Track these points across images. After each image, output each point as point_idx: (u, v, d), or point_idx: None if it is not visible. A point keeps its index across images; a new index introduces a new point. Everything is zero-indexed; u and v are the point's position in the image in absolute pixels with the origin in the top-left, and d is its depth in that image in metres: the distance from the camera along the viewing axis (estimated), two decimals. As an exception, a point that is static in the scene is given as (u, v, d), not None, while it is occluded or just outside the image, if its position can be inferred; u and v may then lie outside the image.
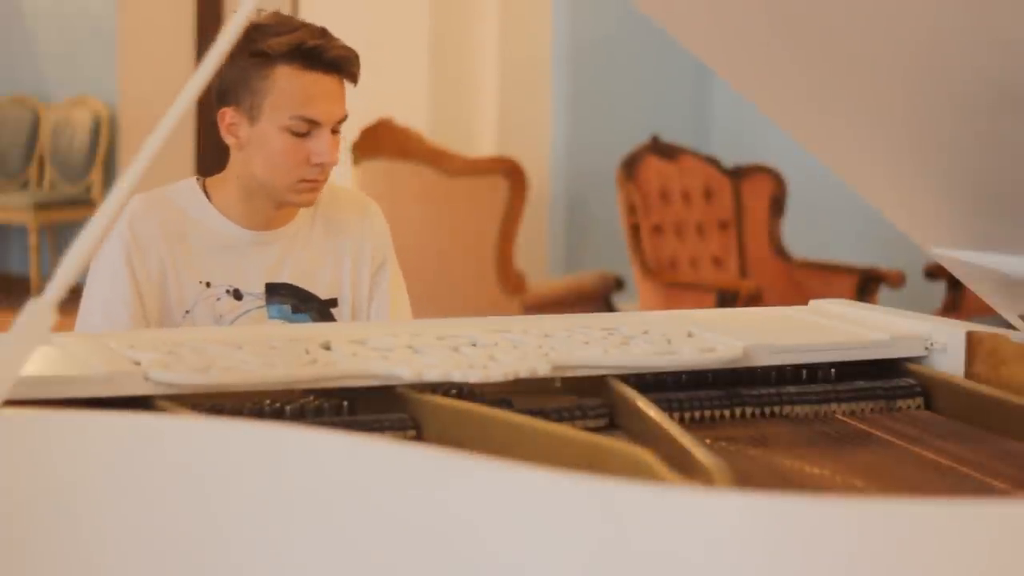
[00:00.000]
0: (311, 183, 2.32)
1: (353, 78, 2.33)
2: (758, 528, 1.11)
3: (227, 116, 2.33)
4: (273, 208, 2.36)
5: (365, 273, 2.44)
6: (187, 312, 2.31)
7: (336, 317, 2.40)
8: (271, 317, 2.35)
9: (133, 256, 2.30)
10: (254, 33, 2.28)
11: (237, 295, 2.34)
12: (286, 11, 6.79)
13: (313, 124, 2.29)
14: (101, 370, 1.57)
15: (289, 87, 2.28)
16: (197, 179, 2.41)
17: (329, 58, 2.29)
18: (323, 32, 2.33)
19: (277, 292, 2.37)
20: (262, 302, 2.35)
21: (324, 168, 2.31)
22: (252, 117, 2.31)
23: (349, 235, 2.44)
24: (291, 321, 2.36)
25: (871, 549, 1.09)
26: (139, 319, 2.29)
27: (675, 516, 1.13)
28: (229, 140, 2.35)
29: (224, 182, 2.39)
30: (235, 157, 2.36)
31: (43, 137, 8.21)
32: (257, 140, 2.31)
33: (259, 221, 2.37)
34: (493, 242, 5.51)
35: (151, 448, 1.35)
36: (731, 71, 1.89)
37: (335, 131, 2.33)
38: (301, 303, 2.38)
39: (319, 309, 2.39)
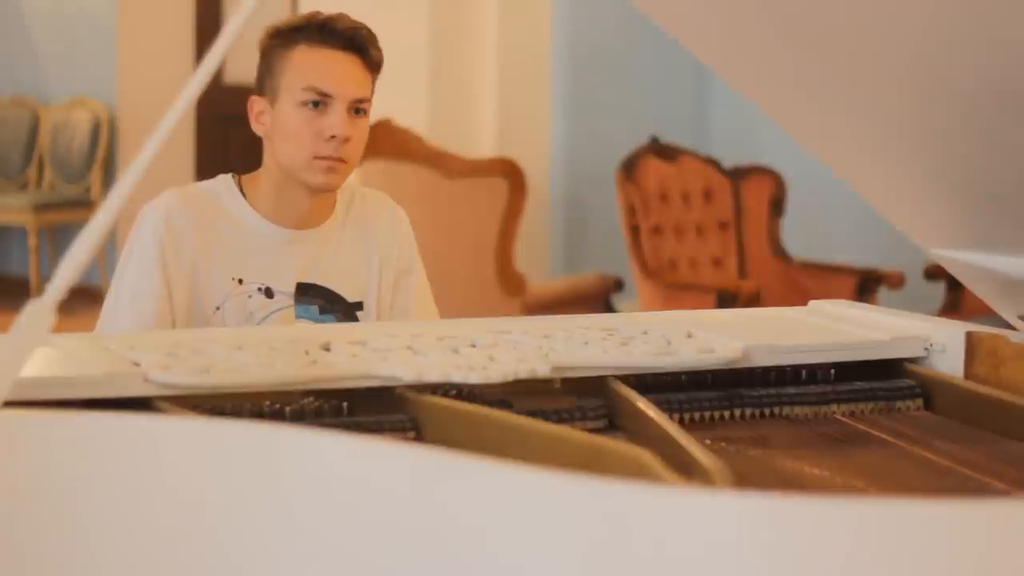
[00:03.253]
0: (327, 161, 2.31)
1: (371, 59, 2.34)
2: (757, 529, 1.11)
3: (255, 105, 2.37)
4: (304, 200, 2.36)
5: (389, 278, 2.45)
6: (217, 308, 2.32)
7: (361, 320, 2.41)
8: (298, 317, 2.36)
9: (167, 250, 2.31)
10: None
11: (269, 293, 2.35)
12: (286, 11, 6.76)
13: (326, 97, 2.30)
14: (101, 371, 1.57)
15: (303, 62, 2.31)
16: (232, 176, 2.41)
17: (340, 30, 2.31)
18: (341, 13, 2.37)
19: (307, 292, 2.38)
20: (292, 301, 2.36)
21: (339, 145, 2.30)
22: (273, 99, 2.34)
23: (378, 238, 2.45)
24: (317, 322, 2.37)
25: (870, 549, 1.09)
26: (165, 315, 2.29)
27: (674, 517, 1.13)
28: (257, 129, 2.38)
29: (257, 178, 2.40)
30: (265, 149, 2.38)
31: (42, 138, 8.21)
32: (277, 121, 2.34)
33: (292, 218, 2.38)
34: (493, 243, 5.51)
35: (151, 449, 1.35)
36: (730, 70, 1.89)
37: (358, 113, 2.33)
38: (329, 304, 2.39)
39: (345, 311, 2.40)
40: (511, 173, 5.54)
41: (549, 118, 6.60)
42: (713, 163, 6.09)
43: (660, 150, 5.96)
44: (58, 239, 8.03)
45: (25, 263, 8.09)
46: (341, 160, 2.32)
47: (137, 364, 1.60)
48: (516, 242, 5.59)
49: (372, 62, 2.35)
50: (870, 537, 1.09)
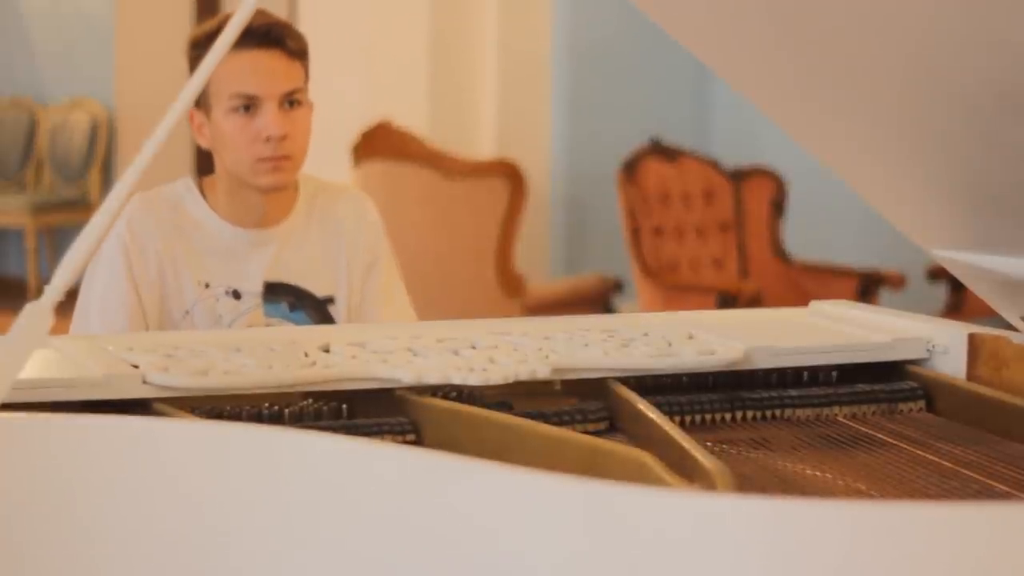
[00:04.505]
0: (269, 161, 2.29)
1: (291, 48, 2.30)
2: (759, 531, 1.11)
3: (195, 118, 2.35)
4: (259, 201, 2.35)
5: (358, 271, 2.44)
6: (186, 312, 2.31)
7: (333, 314, 2.40)
8: (268, 316, 2.35)
9: (132, 256, 2.30)
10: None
11: (236, 295, 2.34)
12: (283, 12, 6.74)
13: (253, 99, 2.28)
14: (99, 373, 1.57)
15: (224, 69, 2.27)
16: (193, 178, 2.41)
17: (253, 28, 2.26)
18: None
19: (274, 291, 2.37)
20: (260, 301, 2.35)
21: (277, 144, 2.28)
22: (207, 110, 2.32)
23: (344, 231, 2.43)
24: (288, 319, 2.36)
25: (871, 552, 1.08)
26: (136, 320, 2.29)
27: (676, 519, 1.12)
28: (201, 142, 2.37)
29: (214, 183, 2.39)
30: (215, 157, 2.38)
31: (41, 139, 8.21)
32: (215, 131, 2.32)
33: (252, 219, 2.37)
34: (493, 244, 5.51)
35: (150, 452, 1.34)
36: (730, 71, 1.88)
37: (292, 105, 2.30)
38: (298, 301, 2.38)
39: (315, 307, 2.39)
40: (511, 174, 5.54)
41: (549, 119, 6.60)
42: (714, 164, 6.09)
43: (660, 151, 5.95)
44: (56, 240, 8.02)
45: (23, 264, 8.08)
46: (283, 157, 2.30)
47: (135, 366, 1.60)
48: (516, 243, 5.59)
49: (293, 51, 2.31)
50: (871, 540, 1.08)
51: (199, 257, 2.34)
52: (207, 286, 2.33)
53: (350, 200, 2.48)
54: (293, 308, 2.37)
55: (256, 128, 2.28)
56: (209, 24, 2.34)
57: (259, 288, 2.36)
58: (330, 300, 2.41)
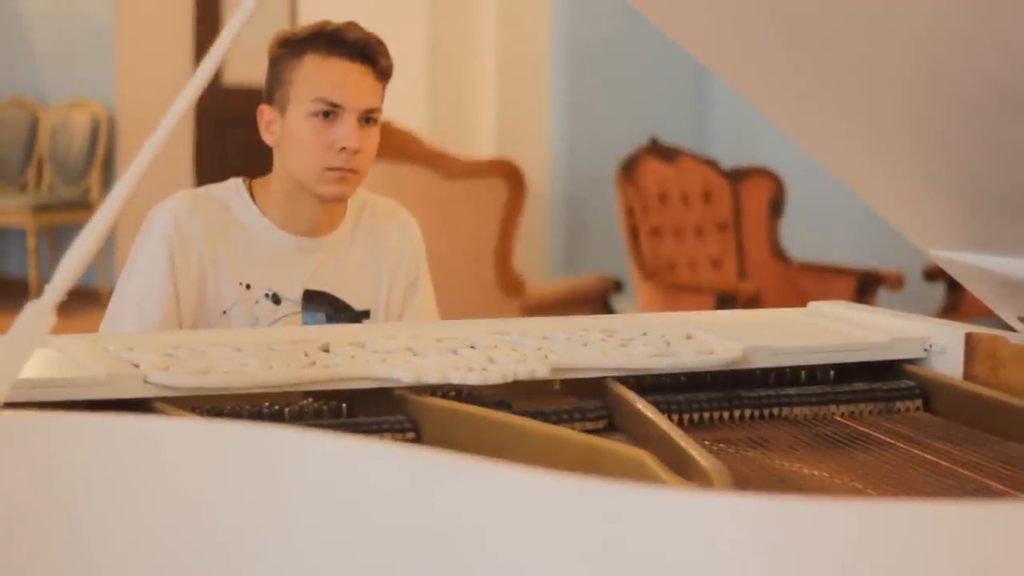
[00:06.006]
0: (338, 172, 2.30)
1: (380, 68, 2.33)
2: (757, 530, 1.11)
3: (264, 114, 2.36)
4: (315, 209, 2.35)
5: (399, 287, 2.45)
6: (224, 312, 2.31)
7: None
8: (305, 324, 2.35)
9: (175, 254, 2.30)
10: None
11: (276, 300, 2.34)
12: (284, 11, 6.70)
13: (335, 107, 2.29)
14: (100, 372, 1.57)
15: (313, 72, 2.30)
16: (243, 180, 2.41)
17: (349, 40, 2.30)
18: (350, 23, 2.35)
19: (313, 300, 2.37)
20: (298, 308, 2.35)
21: (350, 156, 2.29)
22: (282, 108, 2.33)
23: (388, 248, 2.45)
24: None
25: (869, 551, 1.08)
26: (171, 319, 2.28)
27: (674, 518, 1.13)
28: (267, 139, 2.37)
29: (267, 184, 2.39)
30: (275, 157, 2.38)
31: (42, 140, 8.21)
32: (287, 131, 2.32)
33: (302, 226, 2.37)
34: (492, 244, 5.51)
35: (151, 451, 1.34)
36: (729, 71, 1.89)
37: (368, 122, 2.34)
38: (335, 312, 2.38)
39: (352, 320, 2.39)
40: (510, 174, 5.54)
41: (548, 119, 6.60)
42: (712, 164, 6.09)
43: (659, 151, 5.95)
44: (57, 240, 8.02)
45: (24, 264, 8.08)
46: (352, 171, 2.31)
47: (136, 365, 1.60)
48: (515, 243, 5.59)
49: (381, 71, 2.34)
50: (869, 539, 1.09)
51: (242, 258, 2.34)
52: (248, 288, 2.33)
53: (395, 217, 2.49)
54: (330, 319, 2.37)
55: (332, 137, 2.29)
56: (302, 27, 2.35)
57: (299, 295, 2.36)
58: (366, 314, 2.41)
